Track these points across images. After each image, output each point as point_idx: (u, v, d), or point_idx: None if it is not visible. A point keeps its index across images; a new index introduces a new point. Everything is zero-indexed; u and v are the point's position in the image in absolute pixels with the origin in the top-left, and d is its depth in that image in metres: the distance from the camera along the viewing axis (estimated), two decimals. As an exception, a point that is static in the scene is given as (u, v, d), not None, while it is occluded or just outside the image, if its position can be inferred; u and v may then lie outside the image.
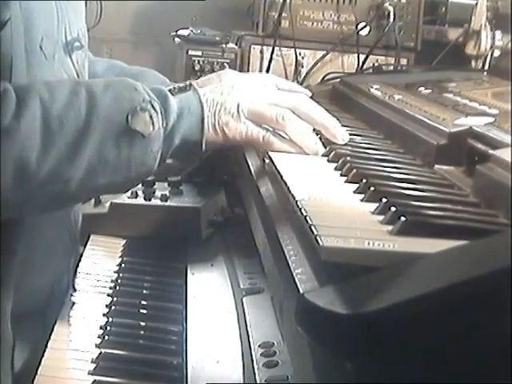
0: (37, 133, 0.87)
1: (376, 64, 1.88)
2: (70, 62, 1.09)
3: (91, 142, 0.90)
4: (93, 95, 0.92)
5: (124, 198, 1.47)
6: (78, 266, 1.28)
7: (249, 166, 1.11)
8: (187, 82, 1.00)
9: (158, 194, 1.48)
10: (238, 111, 1.00)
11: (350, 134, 1.15)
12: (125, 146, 0.91)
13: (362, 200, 0.80)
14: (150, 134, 0.93)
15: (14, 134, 0.86)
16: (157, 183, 1.52)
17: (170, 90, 0.97)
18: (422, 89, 1.34)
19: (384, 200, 0.76)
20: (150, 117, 0.93)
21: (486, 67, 1.74)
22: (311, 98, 1.11)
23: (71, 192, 0.92)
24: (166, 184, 1.52)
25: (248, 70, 1.92)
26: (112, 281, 1.27)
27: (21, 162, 0.86)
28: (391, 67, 1.88)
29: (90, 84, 0.95)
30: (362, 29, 1.87)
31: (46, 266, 1.11)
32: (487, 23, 1.74)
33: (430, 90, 1.32)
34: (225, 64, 1.89)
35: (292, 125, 1.02)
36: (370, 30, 1.89)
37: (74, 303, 1.15)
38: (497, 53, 1.74)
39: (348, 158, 0.95)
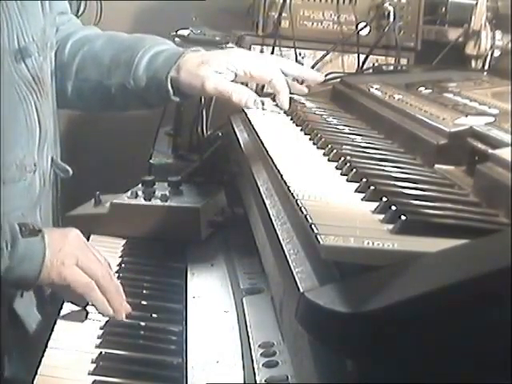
0: None
1: (376, 64, 1.87)
2: (24, 67, 1.16)
3: None
4: None
5: (124, 198, 1.47)
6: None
7: (249, 165, 1.12)
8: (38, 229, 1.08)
9: (158, 194, 1.47)
10: None
11: (351, 134, 1.15)
12: None
13: (362, 199, 0.80)
14: None
15: None
16: (157, 183, 1.52)
17: (20, 230, 1.05)
18: (422, 89, 1.34)
19: (384, 199, 0.75)
20: None
21: (486, 67, 1.74)
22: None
23: None
24: (165, 184, 1.52)
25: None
26: (112, 281, 1.26)
27: None
28: (391, 67, 1.87)
29: None
30: (362, 29, 1.86)
31: None
32: (487, 23, 1.73)
33: (430, 90, 1.32)
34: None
35: None
36: (370, 30, 1.88)
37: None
38: (497, 53, 1.74)
39: (348, 158, 0.95)
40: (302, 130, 1.21)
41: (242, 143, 1.27)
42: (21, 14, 1.15)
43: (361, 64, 1.86)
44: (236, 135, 1.33)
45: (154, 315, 1.17)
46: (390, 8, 1.86)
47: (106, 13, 2.40)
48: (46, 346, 1.05)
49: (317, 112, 1.35)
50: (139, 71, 1.33)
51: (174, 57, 1.33)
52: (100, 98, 1.39)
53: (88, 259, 1.11)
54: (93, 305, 1.10)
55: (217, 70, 1.30)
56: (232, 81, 1.32)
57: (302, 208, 0.74)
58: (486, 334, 0.55)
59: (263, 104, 1.38)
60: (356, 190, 0.83)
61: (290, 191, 0.81)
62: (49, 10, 1.26)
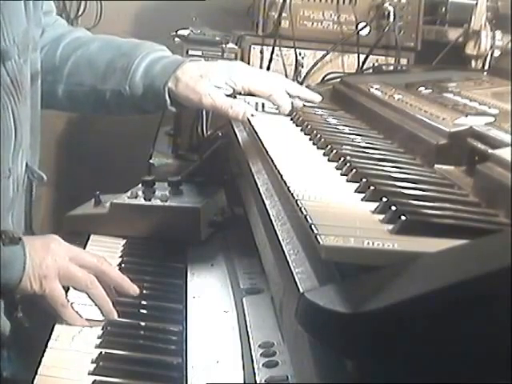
0: None
1: (376, 64, 1.87)
2: (3, 70, 1.13)
3: None
4: None
5: (124, 198, 1.47)
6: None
7: (249, 165, 1.12)
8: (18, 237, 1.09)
9: (158, 194, 1.47)
10: None
11: (351, 134, 1.15)
12: None
13: (362, 199, 0.80)
14: None
15: None
16: (157, 183, 1.52)
17: (1, 238, 1.06)
18: (422, 89, 1.34)
19: (384, 199, 0.75)
20: None
21: (486, 67, 1.74)
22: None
23: None
24: (166, 184, 1.52)
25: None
26: (112, 281, 1.26)
27: None
28: (391, 67, 1.87)
29: None
30: (362, 29, 1.87)
31: None
32: (487, 23, 1.73)
33: (430, 90, 1.32)
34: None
35: None
36: (370, 30, 1.88)
37: (73, 303, 1.15)
38: (497, 53, 1.74)
39: (348, 158, 0.95)
40: (301, 130, 1.21)
41: (241, 143, 1.27)
42: (2, 15, 1.12)
43: (361, 64, 1.87)
44: (236, 135, 1.33)
45: (154, 315, 1.17)
46: (390, 8, 1.86)
47: (106, 13, 2.40)
48: (46, 346, 1.05)
49: (317, 112, 1.35)
50: (136, 78, 1.32)
51: (173, 66, 1.32)
52: (93, 102, 1.38)
53: (71, 270, 1.12)
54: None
55: (215, 84, 1.29)
56: (231, 94, 1.31)
57: (302, 208, 0.74)
58: (485, 334, 0.55)
59: (263, 106, 1.38)
60: (356, 190, 0.83)
61: (290, 191, 0.81)
62: (33, 11, 1.23)
